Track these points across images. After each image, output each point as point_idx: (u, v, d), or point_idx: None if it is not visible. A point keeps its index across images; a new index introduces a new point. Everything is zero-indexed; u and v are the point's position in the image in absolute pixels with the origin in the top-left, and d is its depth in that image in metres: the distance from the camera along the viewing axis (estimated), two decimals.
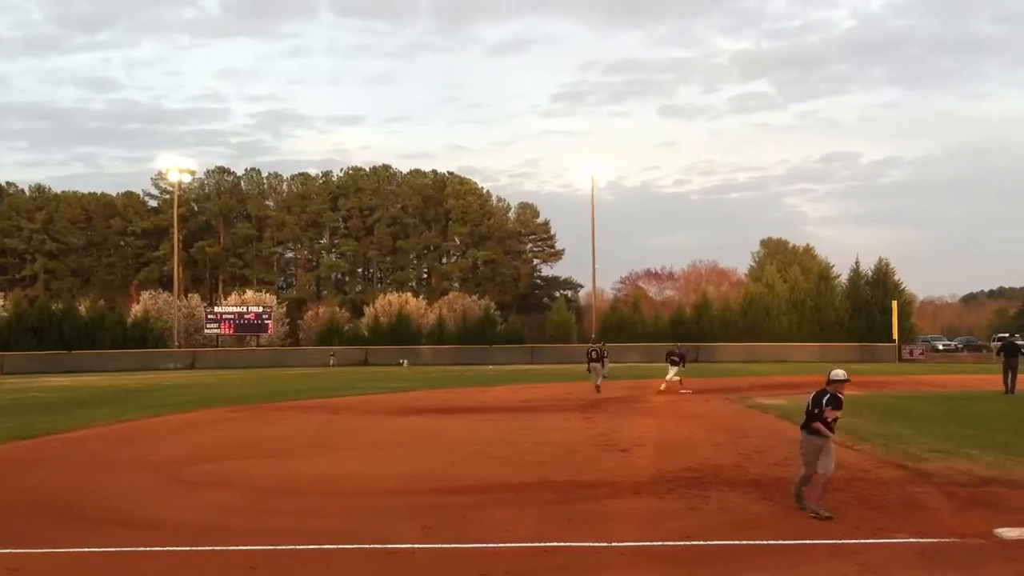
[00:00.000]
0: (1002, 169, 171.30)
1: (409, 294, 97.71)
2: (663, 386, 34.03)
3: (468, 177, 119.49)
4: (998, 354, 32.34)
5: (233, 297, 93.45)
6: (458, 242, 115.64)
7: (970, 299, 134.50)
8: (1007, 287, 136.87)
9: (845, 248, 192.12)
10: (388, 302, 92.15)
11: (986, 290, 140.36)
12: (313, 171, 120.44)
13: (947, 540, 9.97)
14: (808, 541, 10.08)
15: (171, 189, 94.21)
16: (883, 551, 9.63)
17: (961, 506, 11.72)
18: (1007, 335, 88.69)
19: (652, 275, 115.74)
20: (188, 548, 10.23)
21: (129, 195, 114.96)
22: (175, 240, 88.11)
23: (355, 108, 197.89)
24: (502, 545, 10.16)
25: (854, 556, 9.42)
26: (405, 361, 73.23)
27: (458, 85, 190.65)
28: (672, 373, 34.45)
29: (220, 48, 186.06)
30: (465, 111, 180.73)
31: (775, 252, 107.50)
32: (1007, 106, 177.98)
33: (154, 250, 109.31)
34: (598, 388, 34.69)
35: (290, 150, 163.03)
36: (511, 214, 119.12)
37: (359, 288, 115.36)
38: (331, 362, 73.37)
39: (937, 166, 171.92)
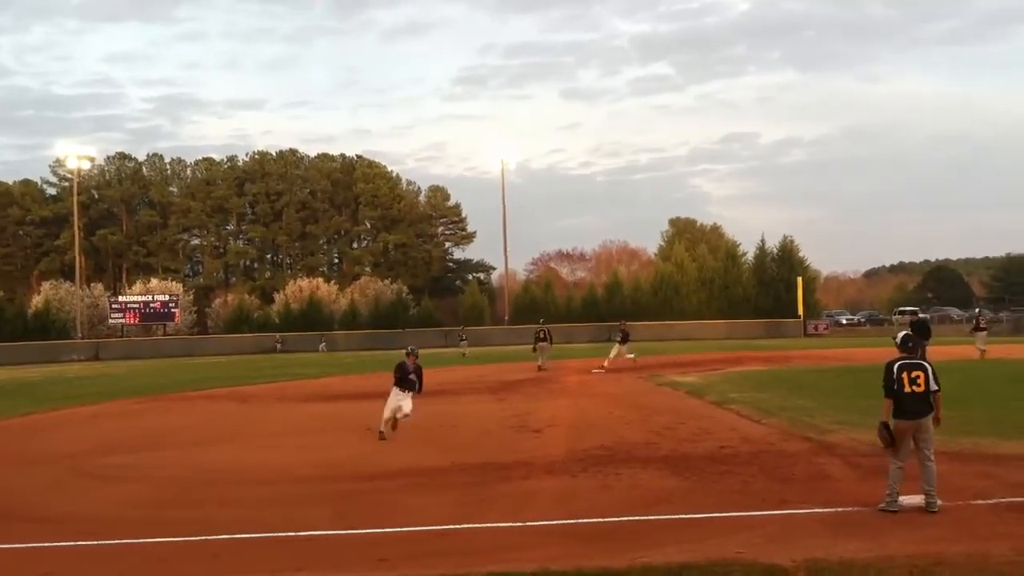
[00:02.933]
0: (897, 148, 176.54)
1: (320, 279, 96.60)
2: (606, 363, 35.85)
3: (377, 161, 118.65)
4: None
5: (138, 286, 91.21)
6: (369, 226, 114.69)
7: (872, 274, 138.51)
8: (907, 262, 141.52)
9: (751, 226, 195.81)
10: (299, 288, 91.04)
11: (887, 265, 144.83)
12: (217, 156, 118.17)
13: (851, 509, 10.26)
14: (717, 515, 10.27)
15: (70, 176, 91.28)
16: (789, 522, 9.87)
17: (864, 476, 12.06)
18: (912, 310, 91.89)
19: (564, 256, 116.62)
20: (96, 543, 10.01)
21: (27, 183, 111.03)
22: (76, 229, 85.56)
23: (255, 92, 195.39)
24: (415, 528, 10.16)
25: (761, 528, 9.63)
26: (324, 344, 72.99)
27: (358, 69, 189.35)
28: (615, 351, 36.51)
29: (111, 32, 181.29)
30: (367, 95, 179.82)
31: (683, 231, 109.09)
32: (899, 87, 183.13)
33: (54, 239, 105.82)
34: (541, 367, 35.81)
35: (190, 136, 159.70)
36: (421, 197, 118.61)
37: (268, 274, 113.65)
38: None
39: (834, 146, 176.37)
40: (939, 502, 9.92)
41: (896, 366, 10.18)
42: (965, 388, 21.96)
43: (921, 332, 26.62)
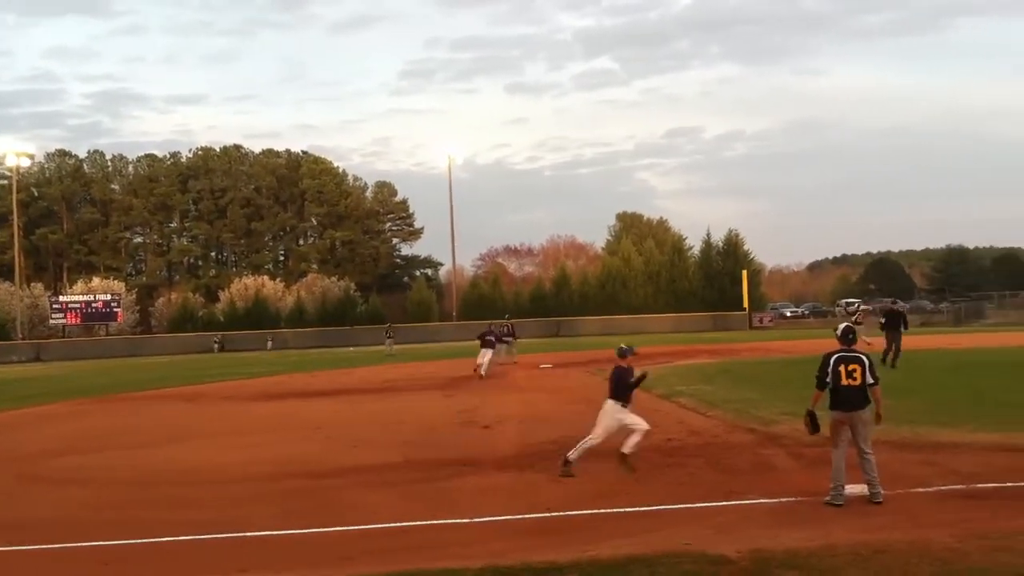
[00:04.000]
0: (838, 141, 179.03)
1: (266, 277, 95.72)
2: (482, 371, 30.67)
3: (323, 156, 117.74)
4: (882, 326, 27.98)
5: (79, 285, 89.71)
6: (315, 223, 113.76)
7: (815, 267, 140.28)
8: (849, 254, 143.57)
9: (697, 220, 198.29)
10: (244, 286, 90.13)
11: (830, 258, 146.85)
12: (160, 152, 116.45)
13: (795, 499, 10.41)
14: (666, 507, 10.37)
15: (9, 174, 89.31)
16: (736, 512, 9.99)
17: (808, 466, 12.24)
18: (854, 301, 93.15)
19: (511, 251, 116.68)
20: (44, 547, 9.86)
21: None
22: (15, 227, 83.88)
23: (197, 87, 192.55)
24: (365, 527, 10.12)
25: (709, 519, 9.74)
26: (271, 342, 72.50)
27: (302, 63, 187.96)
28: (488, 356, 31.46)
29: (50, 27, 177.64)
30: (311, 89, 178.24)
31: (630, 226, 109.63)
32: (838, 81, 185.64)
33: None
34: (504, 362, 35.92)
35: (131, 132, 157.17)
36: (368, 193, 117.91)
37: (213, 272, 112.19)
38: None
39: (777, 140, 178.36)
40: (882, 492, 10.07)
41: (833, 359, 10.28)
42: (905, 378, 22.36)
43: (898, 320, 27.27)
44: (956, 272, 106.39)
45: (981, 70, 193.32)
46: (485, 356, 30.92)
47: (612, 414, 12.67)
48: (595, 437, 12.63)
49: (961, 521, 9.01)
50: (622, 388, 12.81)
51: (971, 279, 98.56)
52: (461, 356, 44.50)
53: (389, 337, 55.88)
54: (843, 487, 10.08)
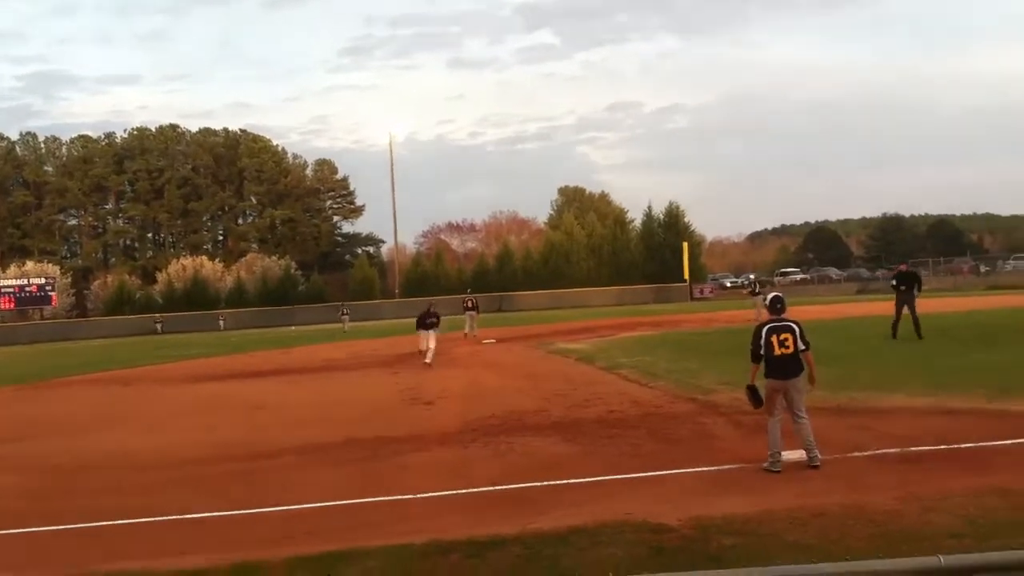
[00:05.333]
0: (775, 113, 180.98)
1: (204, 257, 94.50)
2: (428, 358, 26.35)
3: (261, 135, 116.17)
4: (896, 286, 24.82)
5: (12, 269, 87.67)
6: (254, 201, 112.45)
7: (755, 237, 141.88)
8: (788, 224, 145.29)
9: (638, 193, 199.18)
10: (182, 267, 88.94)
11: (769, 228, 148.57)
12: (94, 133, 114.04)
13: (735, 467, 10.51)
14: (607, 478, 10.41)
15: None
16: (676, 482, 10.06)
17: (747, 434, 12.36)
18: (793, 271, 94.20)
19: (454, 228, 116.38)
20: None
21: None
22: None
23: (130, 67, 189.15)
24: (308, 505, 10.04)
25: (650, 489, 9.81)
26: (223, 321, 71.85)
27: (237, 40, 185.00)
28: (431, 341, 27.01)
29: None
30: (247, 67, 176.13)
31: (573, 200, 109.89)
32: (775, 53, 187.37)
33: None
34: (467, 335, 36.74)
35: (63, 113, 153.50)
36: (308, 171, 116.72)
37: (150, 254, 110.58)
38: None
39: (715, 112, 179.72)
40: (820, 456, 10.21)
41: (765, 330, 10.37)
42: (844, 344, 22.72)
43: (911, 282, 24.51)
44: (892, 240, 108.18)
45: (913, 40, 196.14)
46: (429, 340, 26.44)
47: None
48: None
49: (897, 484, 9.16)
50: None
51: (906, 246, 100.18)
52: (404, 333, 44.38)
53: (344, 315, 55.91)
54: (780, 454, 10.21)
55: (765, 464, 10.23)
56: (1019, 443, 10.80)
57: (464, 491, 10.26)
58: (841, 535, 7.54)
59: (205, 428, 16.85)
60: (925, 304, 25.47)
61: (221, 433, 16.00)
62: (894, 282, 25.10)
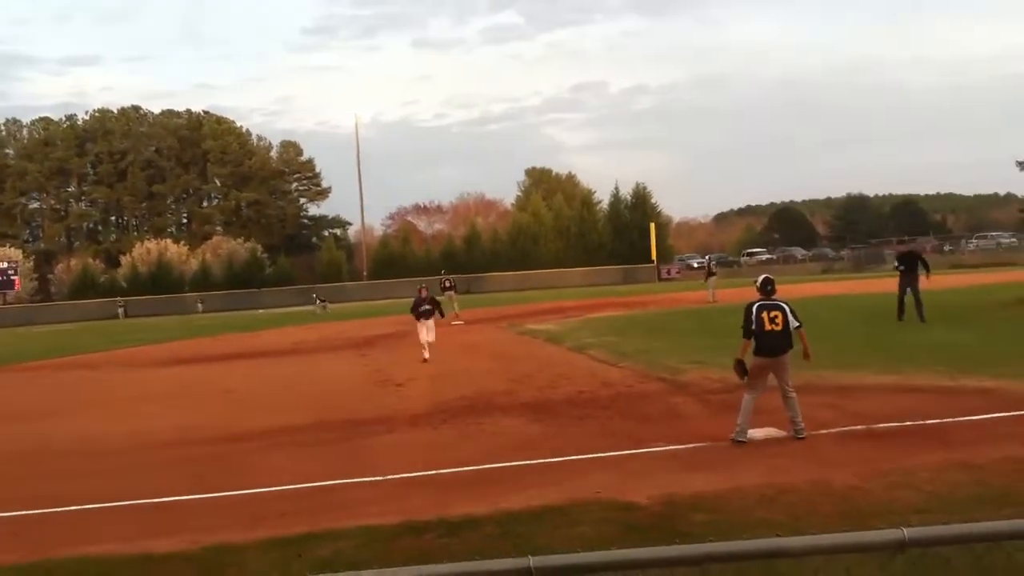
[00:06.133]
0: (740, 93, 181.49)
1: (169, 240, 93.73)
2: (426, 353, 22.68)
3: (225, 116, 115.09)
4: (897, 267, 23.66)
5: None
6: (219, 184, 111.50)
7: (721, 218, 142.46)
8: (754, 204, 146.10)
9: (605, 174, 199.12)
10: (147, 250, 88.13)
11: (735, 209, 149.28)
12: (55, 115, 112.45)
13: (703, 445, 10.61)
14: (577, 457, 10.46)
15: None
16: (645, 460, 10.14)
17: (715, 412, 12.48)
18: (759, 251, 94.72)
19: (421, 209, 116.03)
20: None
21: None
22: None
23: (91, 48, 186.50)
24: (278, 488, 10.01)
25: (619, 467, 9.87)
26: (201, 304, 71.43)
27: (200, 20, 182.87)
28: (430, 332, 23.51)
29: None
30: (210, 48, 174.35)
31: (540, 181, 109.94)
32: (740, 33, 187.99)
33: None
34: (457, 316, 35.98)
35: (23, 95, 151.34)
36: (273, 153, 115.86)
37: (114, 237, 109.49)
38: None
39: (681, 93, 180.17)
40: (804, 428, 10.49)
41: (755, 307, 10.64)
42: (807, 324, 22.88)
43: (915, 263, 23.15)
44: (856, 220, 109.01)
45: (877, 18, 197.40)
46: (428, 333, 22.58)
47: None
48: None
49: (863, 460, 9.28)
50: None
51: (870, 226, 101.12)
52: (373, 315, 44.36)
53: (321, 301, 56.00)
54: (748, 427, 10.42)
55: (732, 435, 10.41)
56: (981, 419, 10.97)
57: (435, 472, 10.28)
58: (809, 511, 7.64)
59: (174, 412, 16.75)
60: (891, 283, 25.64)
61: (190, 417, 15.91)
62: (896, 263, 24.13)
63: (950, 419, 11.01)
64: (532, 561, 2.68)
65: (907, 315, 22.62)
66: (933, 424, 10.85)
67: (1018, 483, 8.01)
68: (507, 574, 2.70)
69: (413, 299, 23.44)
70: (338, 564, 6.80)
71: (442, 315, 23.24)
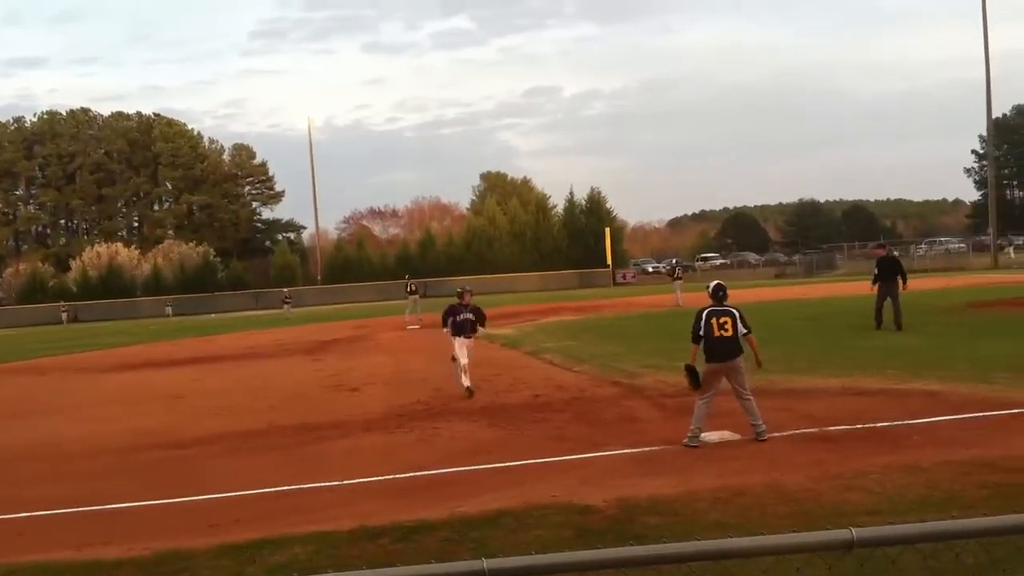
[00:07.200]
0: (693, 99, 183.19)
1: (120, 244, 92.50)
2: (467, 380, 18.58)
3: (176, 119, 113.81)
4: (874, 283, 22.33)
5: None
6: (170, 187, 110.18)
7: (675, 223, 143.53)
8: (708, 209, 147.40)
9: (560, 179, 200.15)
10: (97, 254, 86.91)
11: (689, 214, 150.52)
12: (2, 117, 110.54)
13: (658, 448, 10.67)
14: (533, 461, 10.49)
15: None
16: (601, 464, 10.18)
17: (670, 416, 12.56)
18: (712, 256, 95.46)
19: (376, 213, 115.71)
20: None
21: None
22: None
23: (39, 49, 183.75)
24: (232, 494, 9.93)
25: (576, 471, 9.90)
26: (169, 308, 70.58)
27: (149, 22, 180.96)
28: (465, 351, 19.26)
29: None
30: (160, 50, 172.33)
31: (495, 186, 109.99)
32: (690, 38, 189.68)
33: None
34: (418, 320, 36.14)
35: None
36: (225, 156, 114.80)
37: (63, 241, 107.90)
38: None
39: (633, 98, 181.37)
40: (765, 429, 10.62)
41: (705, 313, 10.73)
42: (760, 328, 23.09)
43: (894, 270, 22.14)
44: (808, 225, 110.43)
45: (828, 25, 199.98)
46: (461, 351, 16.23)
47: None
48: None
49: (815, 463, 9.39)
50: None
51: (822, 231, 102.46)
52: (329, 320, 44.11)
53: (286, 302, 55.53)
54: (701, 431, 10.51)
55: (685, 440, 10.49)
56: (930, 421, 11.15)
57: (390, 476, 10.26)
58: (761, 513, 7.72)
59: (125, 417, 16.53)
60: (843, 288, 25.99)
61: (142, 421, 15.71)
62: (876, 271, 22.51)
63: (899, 422, 11.18)
64: (486, 563, 2.69)
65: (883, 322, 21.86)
66: (883, 427, 11.01)
67: (963, 485, 8.15)
68: None
69: (447, 306, 16.90)
70: (292, 570, 6.77)
71: (483, 327, 16.92)
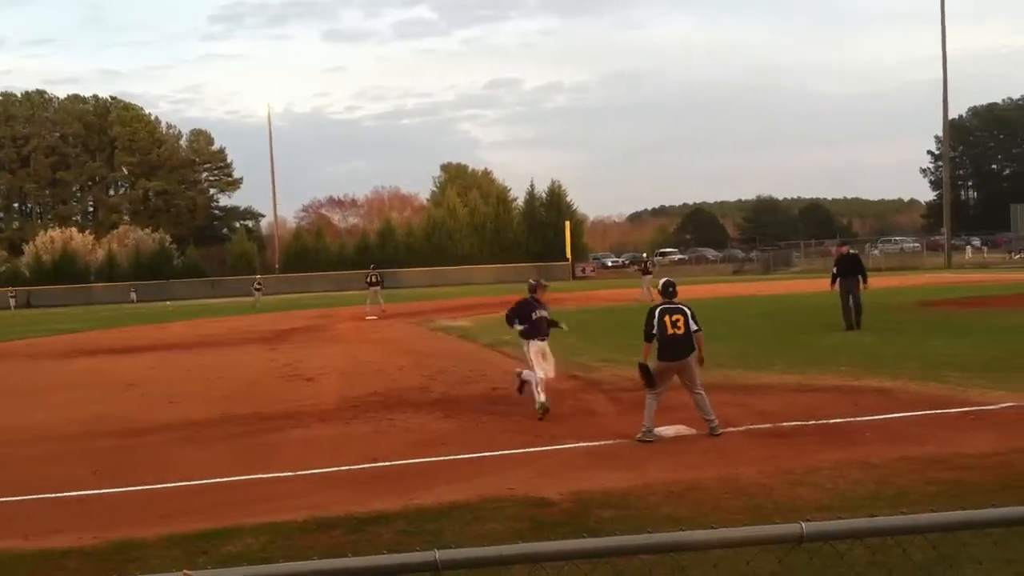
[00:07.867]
0: (654, 94, 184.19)
1: (74, 229, 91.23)
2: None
3: (133, 103, 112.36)
4: (833, 282, 21.84)
5: None
6: (126, 172, 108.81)
7: (635, 218, 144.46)
8: (667, 205, 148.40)
9: (520, 171, 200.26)
10: (50, 239, 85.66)
11: (649, 209, 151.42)
12: None
13: (613, 442, 10.72)
14: (489, 453, 10.49)
15: None
16: (558, 456, 10.21)
17: (626, 410, 12.60)
18: (671, 251, 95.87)
19: (335, 202, 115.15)
20: None
21: None
22: None
23: None
24: (184, 483, 9.83)
25: (533, 463, 9.92)
26: (134, 292, 69.71)
27: (104, 5, 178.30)
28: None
29: None
30: (116, 33, 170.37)
31: (455, 177, 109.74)
32: (654, 34, 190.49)
33: None
34: (382, 311, 36.65)
35: None
36: (183, 142, 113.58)
37: (16, 225, 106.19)
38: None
39: (595, 92, 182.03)
40: (719, 424, 10.72)
41: (658, 311, 10.78)
42: (716, 324, 23.32)
43: (856, 268, 21.74)
44: (766, 222, 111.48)
45: (788, 24, 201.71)
46: (538, 358, 13.11)
47: None
48: None
49: (767, 458, 9.48)
50: None
51: (780, 229, 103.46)
52: (286, 309, 43.83)
53: (257, 289, 55.10)
54: (653, 428, 10.61)
55: (639, 435, 10.54)
56: (881, 418, 11.29)
57: (345, 468, 10.21)
58: (714, 507, 7.78)
59: (76, 404, 16.30)
60: (799, 285, 26.24)
61: (93, 409, 15.50)
62: (835, 269, 22.06)
63: (851, 418, 11.31)
64: (438, 554, 2.68)
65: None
66: (835, 423, 11.14)
67: (913, 482, 8.26)
68: (413, 567, 2.70)
69: (517, 303, 13.65)
70: (244, 560, 6.73)
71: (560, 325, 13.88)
